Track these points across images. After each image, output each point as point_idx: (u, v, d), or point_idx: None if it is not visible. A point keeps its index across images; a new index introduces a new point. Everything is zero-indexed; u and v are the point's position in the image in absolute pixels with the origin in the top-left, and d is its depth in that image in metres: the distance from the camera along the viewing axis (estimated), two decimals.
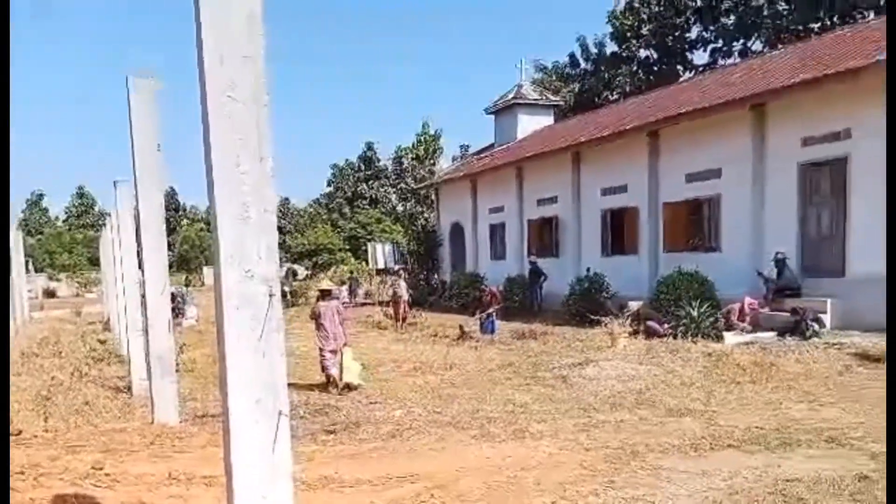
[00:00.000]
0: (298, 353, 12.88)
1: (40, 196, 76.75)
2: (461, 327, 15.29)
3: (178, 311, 20.41)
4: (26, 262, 33.52)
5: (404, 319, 18.33)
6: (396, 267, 20.04)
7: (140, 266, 6.82)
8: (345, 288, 23.89)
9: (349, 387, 9.62)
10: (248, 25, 2.56)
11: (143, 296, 7.28)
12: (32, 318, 26.32)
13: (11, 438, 6.31)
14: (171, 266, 46.99)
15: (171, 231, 64.49)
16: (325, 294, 10.48)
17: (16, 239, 24.27)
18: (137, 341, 8.65)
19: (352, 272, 31.86)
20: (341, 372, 9.69)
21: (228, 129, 2.55)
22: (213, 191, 2.54)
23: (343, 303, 10.63)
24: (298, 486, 5.11)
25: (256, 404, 2.59)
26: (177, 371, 9.42)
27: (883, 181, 12.04)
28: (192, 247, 58.47)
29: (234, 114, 2.56)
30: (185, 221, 68.72)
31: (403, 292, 18.79)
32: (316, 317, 10.24)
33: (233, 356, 2.55)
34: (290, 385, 9.46)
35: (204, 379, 10.20)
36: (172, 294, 20.15)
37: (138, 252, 6.88)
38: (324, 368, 9.93)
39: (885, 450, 5.81)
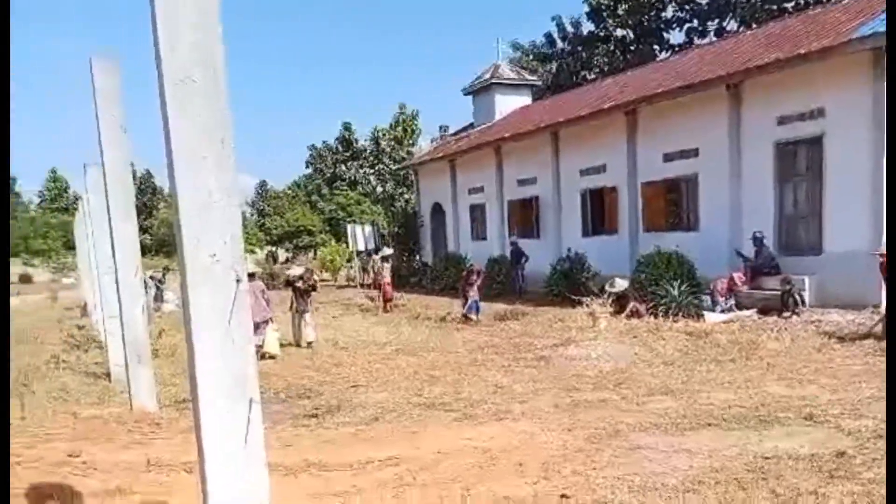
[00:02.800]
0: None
1: (12, 180, 75.39)
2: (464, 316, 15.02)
3: (157, 296, 20.18)
4: None
5: (388, 301, 18.23)
6: (387, 252, 19.87)
7: (112, 250, 6.64)
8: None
9: (267, 355, 11.13)
10: (204, 3, 2.44)
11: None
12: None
13: None
14: (149, 249, 46.32)
15: (147, 214, 63.83)
16: (250, 276, 11.63)
17: None
18: (114, 326, 8.48)
19: (332, 261, 31.72)
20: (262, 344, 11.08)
21: (187, 113, 2.44)
22: (175, 176, 2.43)
23: (310, 283, 12.70)
24: (279, 470, 5.05)
25: (226, 391, 2.50)
26: (156, 356, 9.32)
27: (858, 159, 12.21)
28: (170, 228, 57.70)
29: (193, 96, 2.44)
30: (162, 204, 67.81)
31: (387, 274, 18.70)
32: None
33: (200, 343, 2.45)
34: (276, 374, 9.37)
35: (183, 364, 10.04)
36: (151, 278, 19.98)
37: (111, 235, 6.69)
38: None
39: (861, 426, 5.87)
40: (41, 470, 4.94)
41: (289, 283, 13.17)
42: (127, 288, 6.67)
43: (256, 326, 10.74)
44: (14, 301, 27.27)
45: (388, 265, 19.07)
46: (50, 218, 64.99)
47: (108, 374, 8.90)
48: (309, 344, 12.05)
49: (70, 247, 41.03)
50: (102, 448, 5.57)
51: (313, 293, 13.08)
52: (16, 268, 49.54)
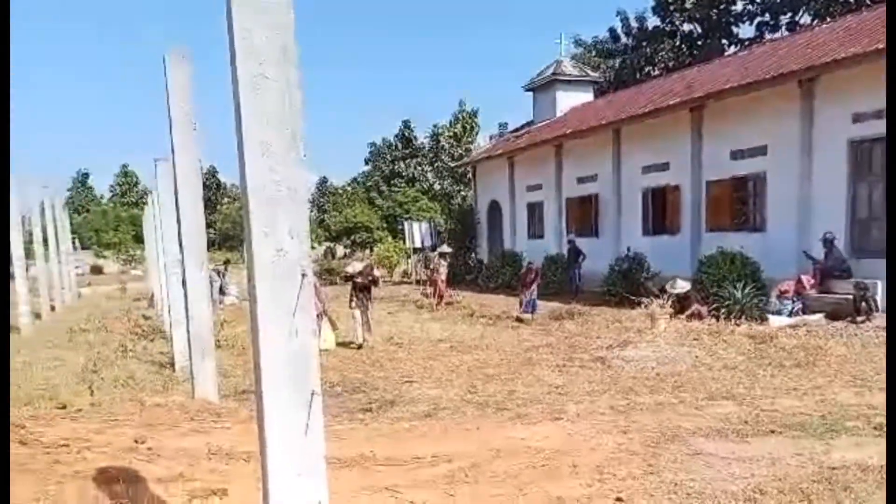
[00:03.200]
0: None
1: (86, 175, 78.74)
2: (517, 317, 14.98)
3: (221, 290, 20.79)
4: (73, 240, 34.44)
5: (441, 298, 18.33)
6: (446, 249, 19.92)
7: (180, 243, 6.89)
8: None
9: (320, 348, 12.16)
10: (279, 3, 2.53)
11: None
12: (80, 294, 27.08)
13: (57, 412, 6.49)
14: (213, 244, 47.66)
15: (212, 209, 65.63)
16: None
17: (62, 216, 24.90)
18: (179, 317, 8.79)
19: (389, 257, 32.00)
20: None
21: (260, 107, 2.53)
22: (245, 170, 2.53)
23: (370, 278, 12.46)
24: (333, 464, 5.15)
25: (289, 383, 2.58)
26: (218, 347, 9.59)
27: None
28: (233, 224, 59.31)
29: (266, 92, 2.53)
30: (225, 200, 69.69)
31: (443, 272, 18.77)
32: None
33: (265, 335, 2.54)
34: (326, 364, 9.57)
35: (245, 355, 10.35)
36: (214, 271, 20.60)
37: (178, 229, 6.94)
38: None
39: None
40: (109, 455, 5.17)
41: (348, 278, 12.80)
42: (193, 281, 6.91)
43: None
44: (85, 291, 28.54)
45: (444, 262, 19.14)
46: (121, 211, 67.66)
47: (173, 364, 9.22)
48: (360, 346, 11.79)
49: (139, 239, 42.60)
50: (166, 435, 5.79)
51: (374, 289, 12.78)
52: (88, 259, 51.80)
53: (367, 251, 48.22)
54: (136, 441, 5.47)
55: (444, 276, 18.78)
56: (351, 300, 12.41)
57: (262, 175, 2.53)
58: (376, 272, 13.31)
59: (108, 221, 65.31)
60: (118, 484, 4.49)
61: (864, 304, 11.93)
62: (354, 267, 13.07)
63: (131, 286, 28.85)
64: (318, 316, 11.65)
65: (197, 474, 4.81)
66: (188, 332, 7.23)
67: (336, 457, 5.30)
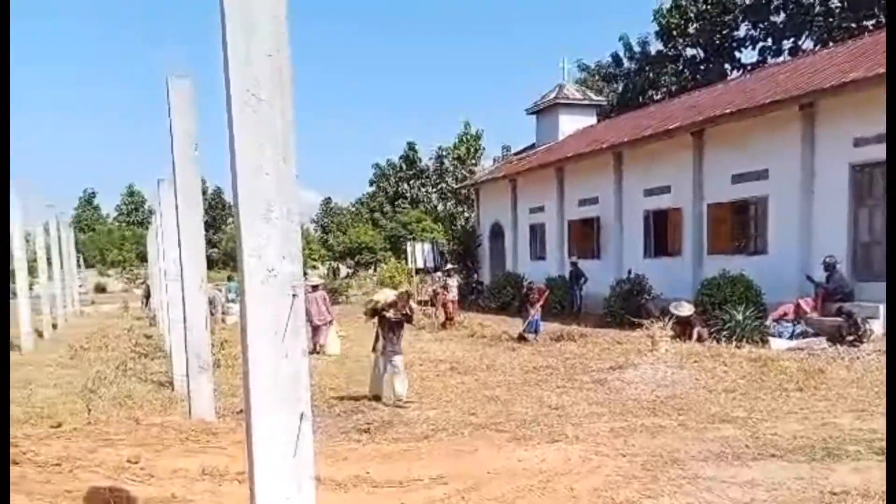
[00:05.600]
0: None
1: (92, 194, 79.07)
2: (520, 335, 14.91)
3: (223, 309, 20.74)
4: (77, 258, 34.54)
5: (451, 319, 18.16)
6: (448, 266, 19.75)
7: (180, 262, 6.89)
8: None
9: (326, 354, 13.16)
10: (273, 25, 2.55)
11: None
12: (83, 313, 27.09)
13: (51, 430, 6.45)
14: (216, 263, 47.61)
15: (216, 229, 65.88)
16: (314, 288, 14.17)
17: (67, 235, 24.98)
18: (178, 337, 8.77)
19: (392, 277, 31.86)
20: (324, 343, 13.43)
21: (253, 128, 2.54)
22: (237, 190, 2.53)
23: (404, 313, 9.00)
24: (329, 485, 5.11)
25: (278, 404, 2.56)
26: (217, 367, 9.57)
27: None
28: (235, 243, 59.55)
29: (259, 113, 2.54)
30: (230, 219, 69.92)
31: (454, 291, 18.60)
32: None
33: (255, 356, 2.53)
34: (323, 383, 9.46)
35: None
36: (219, 290, 20.56)
37: (179, 249, 6.95)
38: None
39: None
40: (101, 474, 5.13)
41: (375, 312, 9.10)
42: (192, 299, 6.90)
43: (317, 328, 13.48)
44: (88, 309, 28.55)
45: (452, 281, 18.91)
46: (126, 231, 67.90)
47: (172, 383, 9.18)
48: (399, 400, 8.66)
49: (144, 258, 42.72)
50: (160, 455, 5.75)
51: (405, 325, 9.32)
52: (92, 277, 51.88)
53: (371, 270, 48.25)
54: (129, 460, 5.42)
55: (454, 296, 18.60)
56: (376, 341, 9.24)
57: (254, 195, 2.53)
58: (412, 304, 9.73)
59: (113, 240, 65.55)
60: None
61: (851, 328, 11.90)
62: (385, 296, 9.41)
63: (133, 305, 28.85)
64: (328, 324, 13.72)
65: (189, 495, 4.77)
66: (186, 351, 7.20)
67: (332, 478, 5.25)
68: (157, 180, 9.30)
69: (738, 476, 5.46)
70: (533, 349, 13.70)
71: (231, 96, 2.52)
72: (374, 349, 9.36)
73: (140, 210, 76.25)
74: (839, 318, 12.37)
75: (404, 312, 9.05)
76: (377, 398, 8.89)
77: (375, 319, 9.19)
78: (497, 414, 8.05)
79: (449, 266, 20.50)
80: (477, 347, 14.18)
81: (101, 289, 48.86)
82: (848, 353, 11.06)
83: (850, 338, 11.86)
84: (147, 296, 26.01)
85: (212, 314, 10.27)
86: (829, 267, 13.16)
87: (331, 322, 13.96)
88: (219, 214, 70.06)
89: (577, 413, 8.02)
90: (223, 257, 60.73)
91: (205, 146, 7.95)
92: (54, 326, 19.71)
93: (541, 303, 15.31)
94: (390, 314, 8.96)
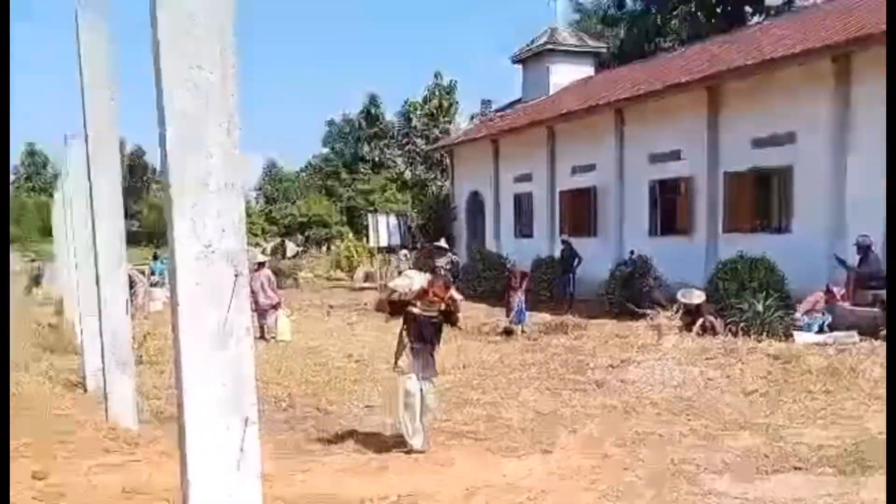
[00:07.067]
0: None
1: None
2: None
3: (146, 294, 20.51)
4: None
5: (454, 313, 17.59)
6: (445, 245, 19.06)
7: (93, 237, 6.77)
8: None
9: (277, 340, 14.02)
10: None
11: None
12: None
13: None
14: (138, 238, 46.67)
15: (137, 197, 64.95)
16: (259, 266, 14.69)
17: None
18: (92, 327, 8.64)
19: (349, 258, 31.62)
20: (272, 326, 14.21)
21: (185, 83, 2.47)
22: (167, 154, 2.46)
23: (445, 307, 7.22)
24: None
25: (218, 407, 2.53)
26: (139, 363, 9.47)
27: None
28: (161, 215, 58.86)
29: (193, 65, 2.47)
30: (154, 186, 68.97)
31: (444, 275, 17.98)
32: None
33: (188, 349, 2.49)
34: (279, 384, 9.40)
35: (170, 373, 10.21)
36: (140, 272, 20.30)
37: (92, 221, 6.82)
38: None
39: None
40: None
41: (395, 305, 7.40)
42: (108, 283, 6.79)
43: (264, 312, 14.10)
44: None
45: (447, 263, 18.11)
46: (25, 198, 66.57)
47: (84, 383, 9.07)
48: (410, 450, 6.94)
49: (47, 232, 41.94)
50: (72, 469, 5.68)
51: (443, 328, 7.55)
52: None
53: (324, 248, 48.07)
54: (34, 476, 5.35)
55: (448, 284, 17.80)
56: (399, 347, 7.47)
57: (188, 158, 2.48)
58: (454, 292, 7.63)
59: (11, 211, 64.29)
60: None
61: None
62: (410, 282, 7.38)
63: (36, 289, 28.40)
64: (274, 307, 14.45)
65: None
66: (102, 344, 7.10)
67: (284, 497, 5.24)
68: (65, 136, 9.16)
69: (755, 491, 5.58)
70: (520, 343, 13.80)
71: (158, 37, 2.45)
72: (395, 365, 7.52)
73: (42, 173, 74.84)
74: (874, 308, 12.57)
75: (444, 308, 7.27)
76: (407, 446, 6.96)
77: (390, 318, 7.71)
78: (477, 419, 8.12)
79: (444, 243, 19.55)
80: (453, 341, 14.19)
81: None
82: (884, 349, 11.29)
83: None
84: (37, 278, 25.43)
85: (132, 300, 10.18)
86: (863, 248, 13.34)
87: (278, 305, 14.72)
88: (139, 180, 69.03)
89: (571, 418, 8.12)
90: (145, 232, 59.95)
91: (125, 95, 7.80)
92: None
93: (523, 288, 15.35)
94: (418, 309, 7.15)
